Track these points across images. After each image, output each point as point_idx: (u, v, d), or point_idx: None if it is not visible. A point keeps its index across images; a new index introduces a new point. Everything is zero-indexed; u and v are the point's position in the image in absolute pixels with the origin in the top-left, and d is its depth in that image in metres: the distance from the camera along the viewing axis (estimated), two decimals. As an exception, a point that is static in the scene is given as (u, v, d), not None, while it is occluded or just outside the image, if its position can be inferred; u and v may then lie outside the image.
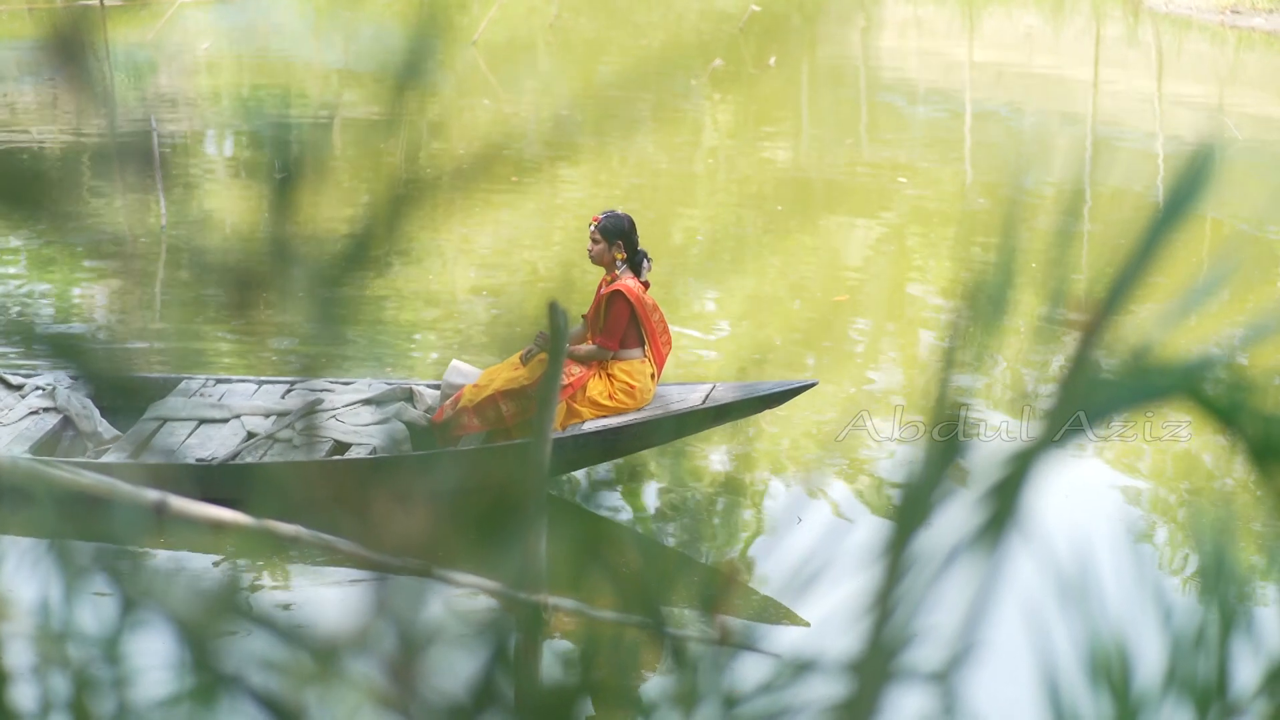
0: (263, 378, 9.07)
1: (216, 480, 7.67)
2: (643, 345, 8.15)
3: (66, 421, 8.65)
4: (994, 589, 0.69)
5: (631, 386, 8.08)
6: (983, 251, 13.59)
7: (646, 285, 8.24)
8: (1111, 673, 0.74)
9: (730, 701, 0.77)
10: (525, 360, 8.14)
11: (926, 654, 0.70)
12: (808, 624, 6.68)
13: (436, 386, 8.62)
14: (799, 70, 25.57)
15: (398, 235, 0.83)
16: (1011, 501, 0.67)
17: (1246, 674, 0.80)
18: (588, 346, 8.12)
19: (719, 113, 21.61)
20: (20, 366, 9.17)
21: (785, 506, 8.29)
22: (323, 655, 0.67)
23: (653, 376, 8.19)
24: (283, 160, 0.87)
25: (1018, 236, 0.75)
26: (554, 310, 1.64)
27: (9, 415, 8.63)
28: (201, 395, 8.87)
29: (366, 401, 8.57)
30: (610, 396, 8.07)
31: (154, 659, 0.84)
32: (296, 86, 22.07)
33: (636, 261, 8.20)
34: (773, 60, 25.24)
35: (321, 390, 8.72)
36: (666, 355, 8.31)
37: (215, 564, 7.02)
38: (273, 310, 0.87)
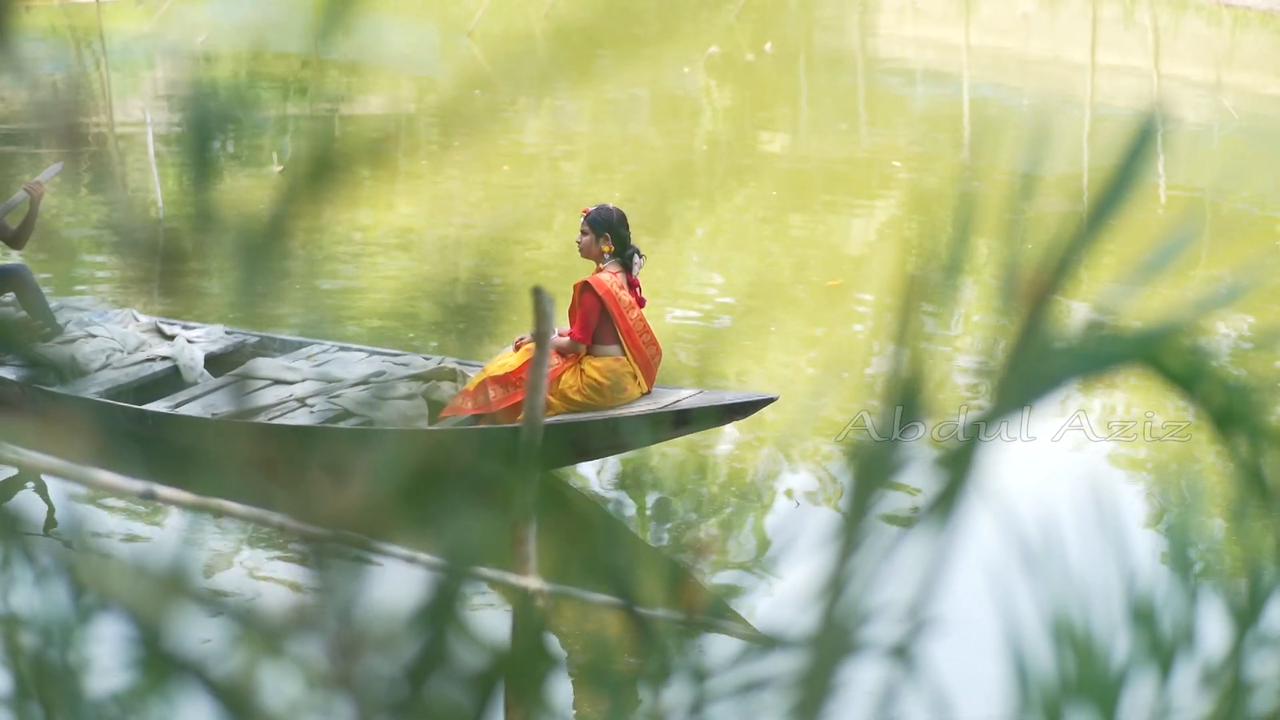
0: (374, 348, 9.38)
1: (208, 433, 8.00)
2: (619, 343, 7.92)
3: (176, 370, 9.22)
4: (949, 558, 0.69)
5: (600, 384, 7.84)
6: (973, 232, 13.61)
7: (636, 284, 8.04)
8: (1076, 639, 0.75)
9: (699, 677, 0.78)
10: (517, 347, 8.11)
11: (885, 626, 0.71)
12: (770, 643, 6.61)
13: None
14: (796, 56, 25.54)
15: (377, 217, 0.84)
16: (966, 470, 0.67)
17: (1214, 641, 0.81)
18: (564, 339, 7.95)
19: (716, 100, 21.60)
20: (185, 318, 9.82)
21: (780, 490, 8.27)
22: (271, 635, 0.68)
23: (635, 378, 7.93)
24: (277, 151, 0.87)
25: (971, 213, 0.75)
26: (538, 296, 1.64)
27: (127, 358, 9.24)
28: (312, 359, 9.31)
29: (413, 378, 8.66)
30: (579, 391, 7.86)
31: (106, 646, 0.84)
32: (294, 79, 22.03)
33: (626, 257, 8.01)
34: (769, 46, 25.21)
35: (402, 363, 9.08)
36: (653, 359, 8.01)
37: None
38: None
